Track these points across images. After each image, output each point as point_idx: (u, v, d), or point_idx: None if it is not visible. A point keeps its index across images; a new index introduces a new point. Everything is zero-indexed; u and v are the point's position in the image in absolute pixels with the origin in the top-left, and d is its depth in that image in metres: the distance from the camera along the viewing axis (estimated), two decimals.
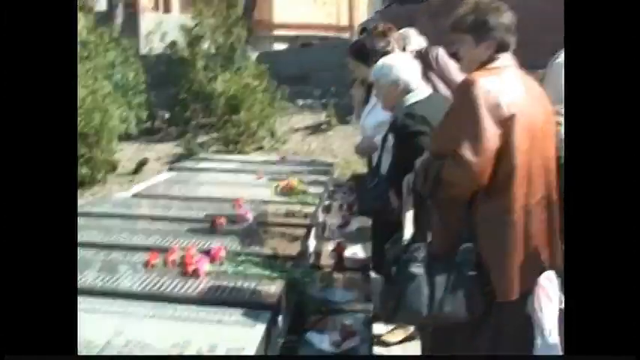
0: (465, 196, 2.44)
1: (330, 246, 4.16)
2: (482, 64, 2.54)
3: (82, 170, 9.82)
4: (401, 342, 4.05)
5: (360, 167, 7.78)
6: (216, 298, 2.61)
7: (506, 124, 2.36)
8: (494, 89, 2.39)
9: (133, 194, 5.10)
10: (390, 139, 3.58)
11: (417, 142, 3.08)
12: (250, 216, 3.95)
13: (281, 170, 6.08)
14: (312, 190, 5.00)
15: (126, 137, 11.03)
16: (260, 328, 2.31)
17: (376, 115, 4.14)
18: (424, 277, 2.41)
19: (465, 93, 2.44)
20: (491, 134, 2.35)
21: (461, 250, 2.41)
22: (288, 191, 4.89)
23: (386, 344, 4.00)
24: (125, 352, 2.07)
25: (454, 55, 3.82)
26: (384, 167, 3.81)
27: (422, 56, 4.25)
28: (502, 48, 2.55)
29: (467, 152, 2.32)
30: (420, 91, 3.46)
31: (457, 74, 4.22)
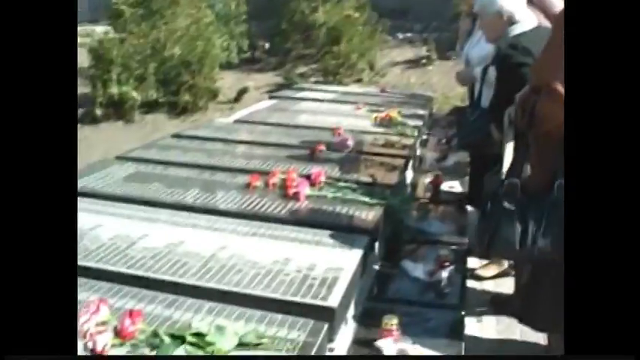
0: (560, 132, 2.35)
1: (427, 178, 4.14)
2: None
3: (185, 97, 10.10)
4: (494, 277, 4.05)
5: (459, 103, 7.67)
6: (315, 221, 2.66)
7: None
8: None
9: (235, 120, 5.22)
10: (492, 71, 3.51)
11: (519, 74, 2.99)
12: (351, 143, 3.98)
13: (380, 102, 6.06)
14: (411, 122, 4.97)
15: (227, 66, 11.21)
16: (357, 252, 2.35)
17: (482, 48, 4.06)
18: (518, 212, 2.38)
19: (562, 23, 2.32)
20: None
21: (556, 186, 2.34)
22: (386, 122, 4.89)
23: (479, 278, 4.00)
24: (229, 264, 2.15)
25: None
26: (485, 100, 3.75)
27: None
28: None
29: (560, 86, 2.23)
30: (525, 22, 3.35)
31: (557, 4, 4.08)
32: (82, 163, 4.56)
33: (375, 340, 2.17)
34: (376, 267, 2.83)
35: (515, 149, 2.62)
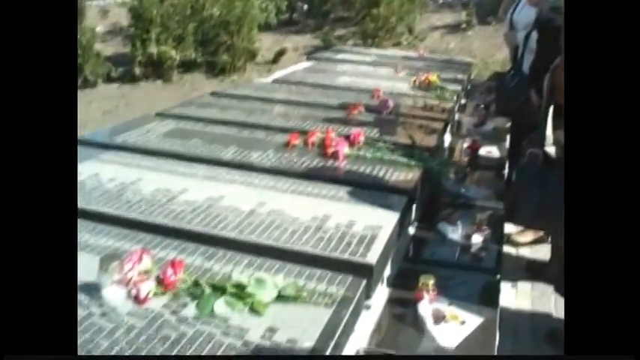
0: None
1: (465, 143, 4.12)
2: None
3: (223, 57, 10.12)
4: (530, 244, 4.04)
5: (498, 69, 7.57)
6: (354, 180, 2.67)
7: None
8: None
9: (273, 80, 5.22)
10: (534, 35, 3.46)
11: (560, 39, 2.95)
12: (391, 103, 3.95)
13: (419, 66, 6.01)
14: (450, 87, 4.93)
15: (265, 27, 11.19)
16: (396, 212, 2.34)
17: (527, 14, 4.02)
18: (537, 181, 2.36)
19: None
20: None
21: None
22: (425, 86, 4.85)
23: (515, 244, 4.00)
24: (268, 220, 2.17)
25: None
26: (526, 66, 3.70)
27: None
28: None
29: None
30: None
31: None
32: (121, 120, 4.62)
33: (410, 300, 2.18)
34: (413, 228, 2.84)
35: (542, 119, 2.60)
